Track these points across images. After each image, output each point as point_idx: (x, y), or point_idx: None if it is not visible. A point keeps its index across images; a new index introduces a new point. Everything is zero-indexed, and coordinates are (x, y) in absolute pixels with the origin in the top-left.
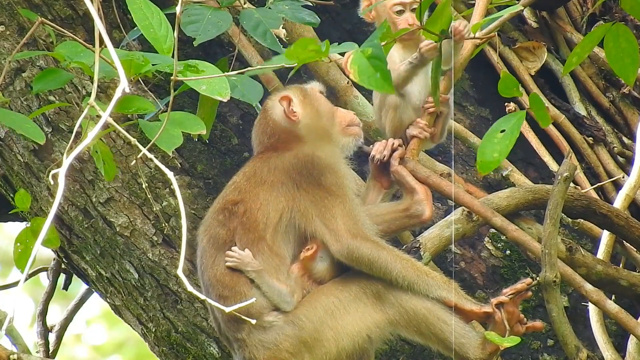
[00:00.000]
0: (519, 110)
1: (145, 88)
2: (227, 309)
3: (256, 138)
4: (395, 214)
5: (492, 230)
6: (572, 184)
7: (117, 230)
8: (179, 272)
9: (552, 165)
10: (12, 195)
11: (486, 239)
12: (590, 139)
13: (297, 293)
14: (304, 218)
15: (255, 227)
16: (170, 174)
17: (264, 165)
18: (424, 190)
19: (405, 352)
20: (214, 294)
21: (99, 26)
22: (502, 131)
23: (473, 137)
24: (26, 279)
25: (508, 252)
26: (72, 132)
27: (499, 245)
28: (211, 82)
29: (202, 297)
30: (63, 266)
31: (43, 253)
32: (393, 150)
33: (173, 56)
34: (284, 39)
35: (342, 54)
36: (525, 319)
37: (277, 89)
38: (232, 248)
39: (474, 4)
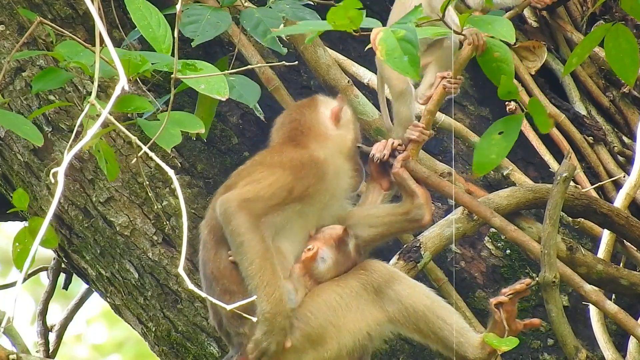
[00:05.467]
0: (519, 113)
1: (144, 88)
2: (229, 307)
3: (286, 123)
4: (394, 217)
5: (493, 229)
6: (572, 183)
7: (117, 229)
8: (180, 269)
9: (553, 164)
10: (12, 194)
11: (486, 238)
12: (590, 139)
13: (299, 291)
14: None
15: None
16: (171, 172)
17: (274, 154)
18: (424, 194)
19: (405, 352)
20: (218, 288)
21: (99, 25)
22: (500, 133)
23: (473, 136)
24: (26, 279)
25: (508, 251)
26: (72, 131)
27: (499, 244)
28: (210, 81)
29: (204, 295)
30: (63, 266)
31: (43, 252)
32: (393, 150)
33: (172, 55)
34: (284, 38)
35: (343, 53)
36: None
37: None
38: None
39: None
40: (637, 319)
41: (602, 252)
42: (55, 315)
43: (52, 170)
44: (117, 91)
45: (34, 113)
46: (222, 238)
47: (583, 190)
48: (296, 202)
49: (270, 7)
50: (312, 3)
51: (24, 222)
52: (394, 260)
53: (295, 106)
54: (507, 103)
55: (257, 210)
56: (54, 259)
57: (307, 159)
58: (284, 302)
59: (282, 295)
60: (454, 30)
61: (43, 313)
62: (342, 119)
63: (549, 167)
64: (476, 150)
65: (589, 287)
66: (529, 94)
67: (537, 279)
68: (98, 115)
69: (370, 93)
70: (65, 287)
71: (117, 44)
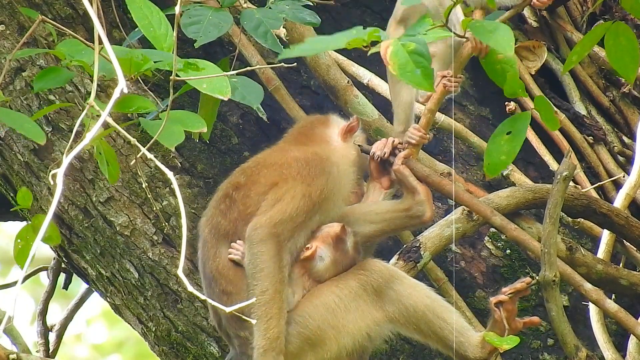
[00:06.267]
0: (523, 112)
1: (145, 87)
2: (228, 309)
3: (295, 128)
4: (395, 214)
5: (493, 229)
6: (572, 183)
7: (117, 229)
8: (179, 272)
9: (552, 164)
10: (12, 194)
11: (486, 238)
12: (590, 138)
13: (297, 293)
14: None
15: (253, 215)
16: (170, 174)
17: (277, 153)
18: (425, 190)
19: (405, 352)
20: (217, 288)
21: (97, 26)
22: (508, 133)
23: (473, 136)
24: (26, 278)
25: (508, 251)
26: (72, 132)
27: (499, 244)
28: (212, 80)
29: (203, 297)
30: (63, 265)
31: (43, 252)
32: (394, 148)
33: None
34: (284, 39)
35: (343, 53)
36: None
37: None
38: (238, 242)
39: None
40: (637, 319)
41: (602, 252)
42: (55, 315)
43: (52, 172)
44: (116, 93)
45: (35, 114)
46: (223, 237)
47: (583, 190)
48: (316, 211)
49: (270, 8)
50: (311, 3)
51: (24, 222)
52: (393, 260)
53: (308, 117)
54: (506, 103)
55: (286, 234)
56: (54, 258)
57: (311, 155)
58: (280, 340)
59: (281, 333)
60: (457, 34)
61: (43, 313)
62: (349, 137)
63: (549, 167)
64: (486, 152)
65: (589, 286)
66: (529, 93)
67: (537, 278)
68: (98, 116)
69: (370, 93)
70: (65, 287)
71: (117, 44)
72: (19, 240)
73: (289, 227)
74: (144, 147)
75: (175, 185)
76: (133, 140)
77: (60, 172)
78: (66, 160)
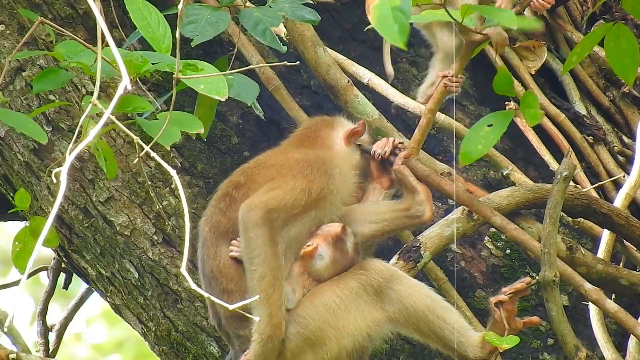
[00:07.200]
0: (508, 109)
1: (144, 88)
2: (231, 306)
3: (299, 129)
4: (395, 213)
5: (493, 229)
6: (572, 183)
7: (117, 229)
8: (183, 269)
9: (553, 164)
10: (12, 194)
11: (486, 238)
12: (590, 138)
13: (297, 291)
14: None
15: None
16: (172, 172)
17: (279, 154)
18: (425, 190)
19: (405, 352)
20: (217, 287)
21: (101, 24)
22: (490, 125)
23: None
24: (26, 278)
25: (508, 251)
26: (72, 131)
27: (499, 244)
28: (209, 81)
29: (206, 294)
30: (63, 265)
31: (43, 252)
32: (394, 147)
33: (173, 54)
34: (283, 37)
35: (343, 53)
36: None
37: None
38: (238, 239)
39: None
40: (637, 319)
41: (602, 252)
42: (55, 315)
43: (55, 171)
44: (119, 91)
45: (33, 112)
46: (223, 236)
47: (583, 190)
48: (313, 206)
49: (269, 7)
50: (311, 2)
51: (24, 221)
52: (393, 260)
53: (314, 118)
54: (506, 103)
55: (280, 221)
56: (54, 258)
57: (313, 158)
58: (282, 327)
59: (282, 320)
60: (474, 30)
61: (43, 313)
62: (353, 141)
63: (549, 167)
64: (464, 141)
65: (589, 286)
66: None
67: (537, 278)
68: (98, 115)
69: (370, 93)
70: (65, 287)
71: (117, 44)
72: (17, 243)
73: (283, 215)
74: (145, 146)
75: (177, 182)
76: (136, 139)
77: (63, 170)
78: (69, 158)
